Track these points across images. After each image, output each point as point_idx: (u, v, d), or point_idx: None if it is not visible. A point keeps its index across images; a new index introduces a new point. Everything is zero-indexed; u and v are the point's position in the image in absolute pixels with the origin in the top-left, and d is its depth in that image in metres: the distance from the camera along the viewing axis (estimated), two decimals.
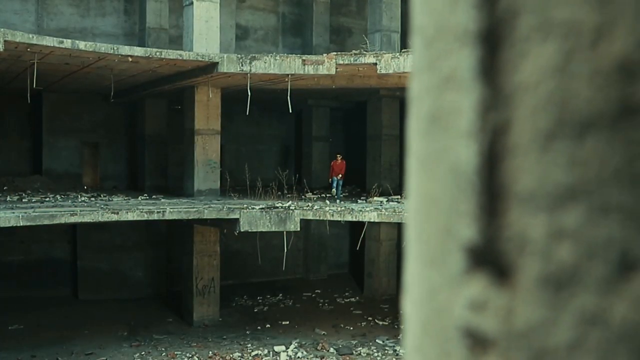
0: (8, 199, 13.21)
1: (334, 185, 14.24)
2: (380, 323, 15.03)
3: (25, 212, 10.63)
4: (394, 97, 17.19)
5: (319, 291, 18.10)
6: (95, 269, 16.92)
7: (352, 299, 17.36)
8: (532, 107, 0.39)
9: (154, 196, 14.74)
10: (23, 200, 13.13)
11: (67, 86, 15.79)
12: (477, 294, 0.46)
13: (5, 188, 15.69)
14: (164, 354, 12.60)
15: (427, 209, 0.55)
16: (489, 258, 0.44)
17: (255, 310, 16.06)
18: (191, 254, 14.50)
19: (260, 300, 16.98)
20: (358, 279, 19.13)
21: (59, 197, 13.75)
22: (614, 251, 0.35)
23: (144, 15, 16.93)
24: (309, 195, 15.42)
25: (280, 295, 17.51)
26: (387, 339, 13.67)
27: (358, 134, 20.16)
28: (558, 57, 0.37)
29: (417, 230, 0.57)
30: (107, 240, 16.89)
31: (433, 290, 0.52)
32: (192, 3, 13.83)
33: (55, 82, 14.98)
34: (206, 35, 13.85)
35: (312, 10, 19.48)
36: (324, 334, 14.07)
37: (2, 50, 10.06)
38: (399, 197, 14.99)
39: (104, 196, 14.50)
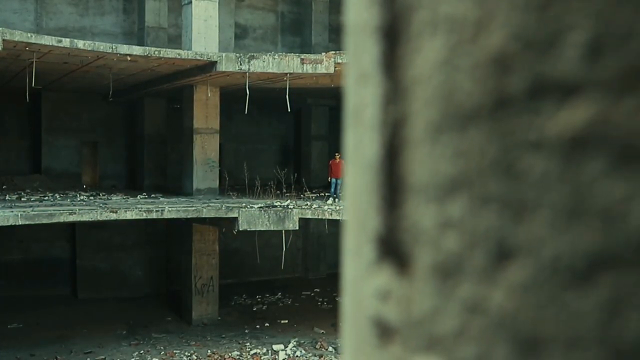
0: (7, 197, 13.24)
1: (333, 184, 14.25)
2: None
3: (24, 211, 10.66)
4: None
5: (318, 290, 18.12)
6: (94, 268, 16.96)
7: None
8: (424, 101, 0.40)
9: (152, 195, 14.76)
10: (22, 199, 13.16)
11: (66, 85, 15.82)
12: (383, 283, 0.47)
13: (4, 187, 15.72)
14: (162, 352, 12.62)
15: (351, 203, 0.56)
16: (392, 249, 0.45)
17: (254, 309, 16.08)
18: (190, 253, 14.52)
19: (259, 299, 17.00)
20: None
21: (57, 196, 13.78)
22: (492, 241, 0.36)
23: (142, 14, 16.95)
24: (308, 194, 15.43)
25: (280, 294, 17.53)
26: None
27: None
28: (445, 51, 0.38)
29: (346, 224, 0.58)
30: (107, 239, 16.93)
31: (353, 282, 0.53)
32: (190, 2, 13.86)
33: (54, 81, 15.00)
34: (205, 35, 13.88)
35: (311, 9, 19.49)
36: (322, 332, 14.09)
37: (0, 49, 10.08)
38: None
39: (103, 195, 14.52)
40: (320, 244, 19.63)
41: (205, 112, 14.46)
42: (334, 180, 14.18)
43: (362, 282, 0.51)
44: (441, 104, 0.38)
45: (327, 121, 19.96)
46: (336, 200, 13.91)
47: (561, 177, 0.33)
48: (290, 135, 21.34)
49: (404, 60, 0.41)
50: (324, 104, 19.33)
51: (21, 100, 16.66)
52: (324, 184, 18.52)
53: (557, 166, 0.33)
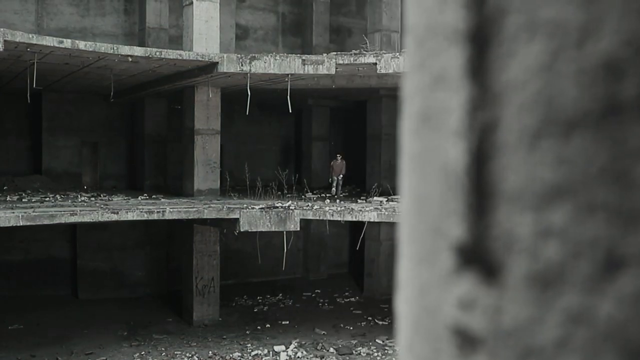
0: (8, 198, 13.21)
1: (334, 185, 14.25)
2: (380, 323, 15.03)
3: (25, 212, 10.63)
4: (394, 97, 17.18)
5: (318, 291, 18.10)
6: (95, 269, 16.93)
7: (352, 299, 17.36)
8: (519, 106, 0.39)
9: (153, 196, 14.74)
10: (23, 200, 13.13)
11: (67, 86, 15.80)
12: (466, 292, 0.46)
13: (5, 188, 15.69)
14: (163, 353, 12.60)
15: (418, 208, 0.55)
16: (478, 257, 0.45)
17: (255, 310, 16.06)
18: (191, 254, 14.50)
19: (260, 300, 16.98)
20: (358, 278, 19.13)
21: (58, 197, 13.75)
22: (599, 250, 0.35)
23: (143, 15, 16.93)
24: (309, 195, 15.42)
25: (280, 295, 17.51)
26: (387, 339, 13.66)
27: (357, 134, 20.15)
28: (544, 56, 0.37)
29: (408, 229, 0.57)
30: (107, 240, 16.90)
31: (423, 289, 0.52)
32: (191, 3, 13.83)
33: (55, 82, 14.98)
34: (206, 35, 13.85)
35: (312, 10, 19.48)
36: (323, 333, 14.07)
37: (1, 50, 10.06)
38: (399, 197, 14.97)
39: (104, 196, 14.50)
40: (321, 244, 19.62)
41: (206, 113, 14.45)
42: (334, 178, 14.18)
43: (437, 291, 0.50)
44: (539, 109, 0.37)
45: (327, 122, 19.95)
46: (337, 199, 13.90)
47: None
48: (290, 135, 21.33)
49: (495, 65, 0.41)
50: (324, 105, 19.32)
51: (21, 100, 16.63)
52: (325, 185, 18.51)
53: None
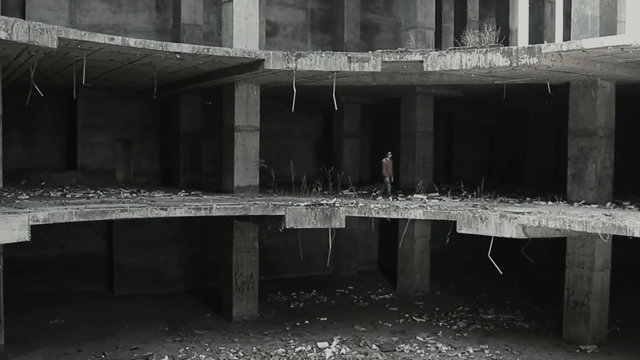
0: (52, 194, 13.29)
1: (388, 183, 14.22)
2: (418, 320, 15.06)
3: (78, 208, 10.69)
4: (429, 94, 17.17)
5: (351, 287, 18.15)
6: (131, 264, 17.03)
7: (386, 296, 17.40)
8: None
9: (192, 192, 14.79)
10: (67, 196, 13.20)
11: (103, 82, 15.83)
12: None
13: (42, 183, 15.80)
14: (207, 349, 12.66)
15: None
16: None
17: (292, 306, 16.12)
18: (230, 250, 14.56)
19: (294, 297, 17.04)
20: (389, 275, 19.16)
21: (101, 193, 13.82)
22: None
23: (178, 11, 16.95)
24: (346, 192, 15.43)
25: (314, 291, 17.57)
26: (427, 336, 13.69)
27: (387, 131, 20.13)
28: None
29: None
30: (143, 236, 17.00)
31: None
32: (231, 0, 13.83)
33: (94, 79, 15.01)
34: (246, 32, 13.86)
35: (344, 7, 19.46)
36: (363, 330, 14.12)
37: (55, 47, 10.09)
38: (437, 194, 14.98)
39: (144, 192, 14.56)
40: (352, 241, 19.66)
41: (246, 110, 14.48)
42: (387, 178, 14.16)
43: None
44: None
45: (359, 119, 19.95)
46: (390, 198, 13.89)
47: None
48: (319, 132, 21.35)
49: None
50: (356, 102, 19.32)
51: (55, 96, 16.73)
52: (355, 182, 18.52)
53: None
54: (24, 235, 9.55)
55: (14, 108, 14.89)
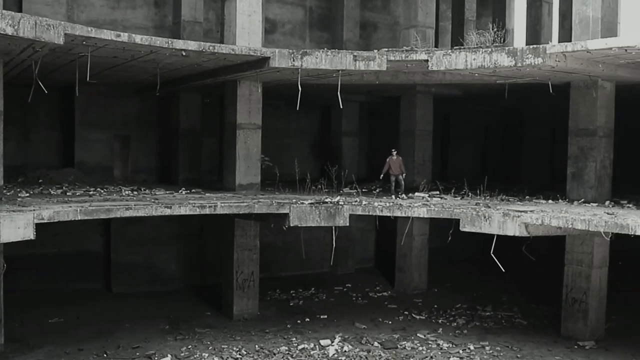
0: (52, 192, 13.17)
1: (393, 182, 14.23)
2: (417, 317, 15.15)
3: (82, 206, 10.61)
4: (429, 93, 17.24)
5: (349, 285, 18.20)
6: (129, 262, 16.93)
7: (384, 293, 17.47)
8: None
9: (193, 190, 14.73)
10: (67, 193, 13.08)
11: (103, 79, 15.69)
12: None
13: (40, 181, 15.64)
14: (210, 347, 12.64)
15: None
16: None
17: (291, 304, 16.13)
18: (231, 248, 14.53)
19: (293, 294, 17.05)
20: (386, 273, 19.24)
21: (102, 191, 13.71)
22: None
23: (178, 8, 16.84)
24: (347, 190, 15.46)
25: (313, 289, 17.59)
26: (428, 333, 13.78)
27: (384, 129, 20.19)
28: None
29: None
30: (141, 234, 16.89)
31: None
32: None
33: (95, 75, 14.87)
34: (249, 30, 13.81)
35: (343, 5, 19.46)
36: (364, 328, 14.17)
37: (62, 43, 9.99)
38: (438, 192, 15.06)
39: (144, 190, 14.47)
40: (349, 239, 19.68)
41: (248, 108, 14.44)
42: (393, 177, 14.17)
43: None
44: None
45: (357, 117, 19.98)
46: (400, 196, 13.89)
47: None
48: (316, 130, 21.34)
49: None
50: (354, 100, 19.33)
51: (53, 93, 16.53)
52: (353, 180, 18.50)
53: None
54: (29, 234, 9.45)
55: (9, 104, 14.66)
